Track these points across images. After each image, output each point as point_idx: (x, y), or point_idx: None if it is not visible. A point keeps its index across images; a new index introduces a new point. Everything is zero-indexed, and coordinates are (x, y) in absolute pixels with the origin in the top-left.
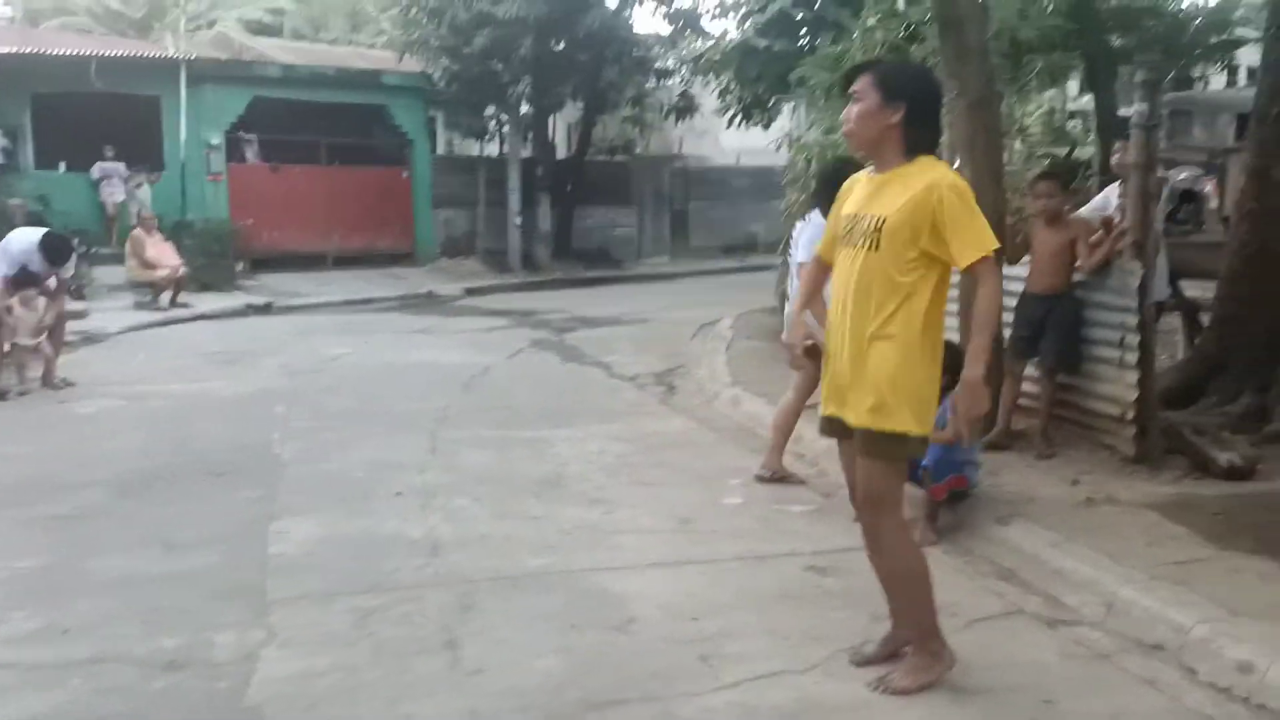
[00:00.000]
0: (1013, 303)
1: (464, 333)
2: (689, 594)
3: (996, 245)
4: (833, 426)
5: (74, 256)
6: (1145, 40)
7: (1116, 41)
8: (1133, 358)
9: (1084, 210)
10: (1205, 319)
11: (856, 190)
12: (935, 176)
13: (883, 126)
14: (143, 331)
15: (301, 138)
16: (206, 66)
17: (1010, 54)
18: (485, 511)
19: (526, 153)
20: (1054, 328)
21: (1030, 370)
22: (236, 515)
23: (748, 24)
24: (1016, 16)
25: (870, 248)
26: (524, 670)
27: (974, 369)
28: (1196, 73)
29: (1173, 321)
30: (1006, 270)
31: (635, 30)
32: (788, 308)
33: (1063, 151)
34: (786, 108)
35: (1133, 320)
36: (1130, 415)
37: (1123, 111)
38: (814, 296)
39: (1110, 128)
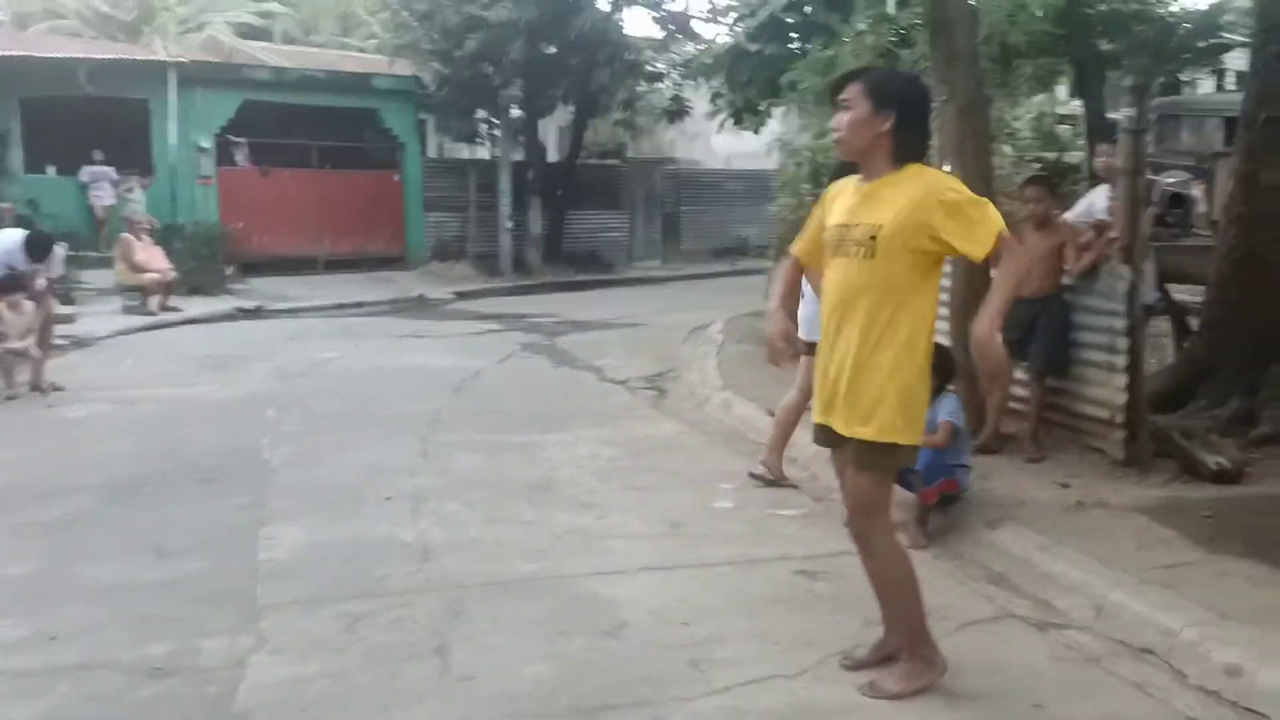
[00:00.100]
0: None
1: (455, 336)
2: (680, 599)
3: (1003, 225)
4: (826, 434)
5: (58, 253)
6: (1134, 45)
7: (1105, 46)
8: (1122, 361)
9: (1068, 215)
10: (1194, 323)
11: (843, 199)
12: (930, 181)
13: (873, 134)
14: (132, 335)
15: (292, 141)
16: (196, 70)
17: (1000, 58)
18: (476, 516)
19: (518, 156)
20: (1042, 331)
21: (1020, 374)
22: (226, 520)
23: (739, 28)
24: (1006, 21)
25: (865, 256)
26: (514, 676)
27: (980, 323)
28: (1185, 77)
29: (1161, 325)
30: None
31: (626, 34)
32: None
33: (1052, 155)
34: (778, 112)
35: (1122, 324)
36: (1120, 419)
37: (1111, 115)
38: (792, 293)
39: (1099, 132)
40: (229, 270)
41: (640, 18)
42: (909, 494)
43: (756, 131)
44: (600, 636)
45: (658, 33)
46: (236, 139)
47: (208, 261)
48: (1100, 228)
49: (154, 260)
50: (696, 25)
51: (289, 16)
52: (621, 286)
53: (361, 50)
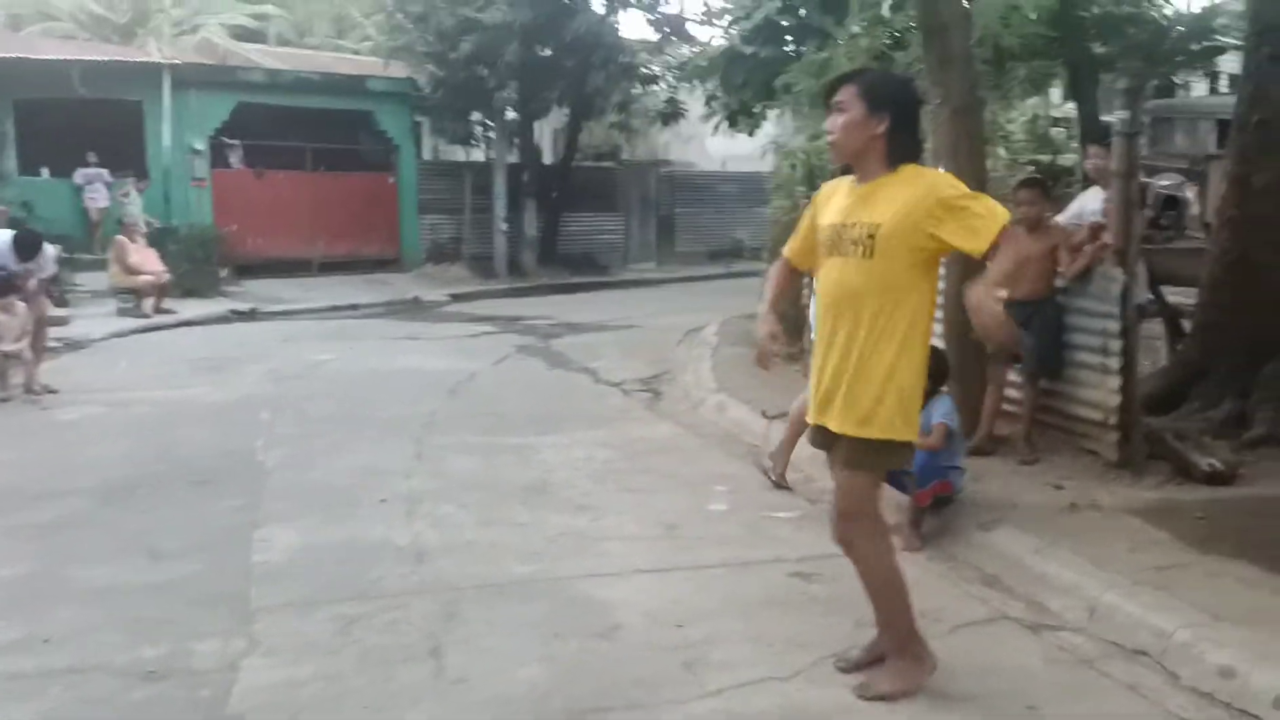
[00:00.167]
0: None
1: (450, 339)
2: (674, 601)
3: (1008, 215)
4: (822, 435)
5: (49, 252)
6: (1127, 48)
7: (1099, 49)
8: (1115, 363)
9: (1060, 218)
10: (1187, 325)
11: (837, 199)
12: (928, 180)
13: (868, 137)
14: (126, 338)
15: (286, 143)
16: (190, 72)
17: (993, 61)
18: (471, 518)
19: (512, 158)
20: (1035, 333)
21: (1013, 376)
22: (220, 523)
23: (734, 30)
24: (999, 24)
25: (864, 255)
26: (508, 678)
27: (974, 289)
28: (1178, 80)
29: (1154, 327)
30: None
31: (622, 36)
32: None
33: (1046, 158)
34: (772, 114)
35: (1115, 326)
36: (1113, 421)
37: (1105, 118)
38: (782, 295)
39: (1093, 134)
40: (223, 272)
41: (635, 20)
42: (903, 496)
43: (751, 134)
44: (594, 639)
45: (653, 35)
46: (231, 141)
47: (202, 264)
48: (1095, 230)
49: (148, 262)
50: (691, 27)
51: (283, 18)
52: (616, 289)
53: (356, 52)
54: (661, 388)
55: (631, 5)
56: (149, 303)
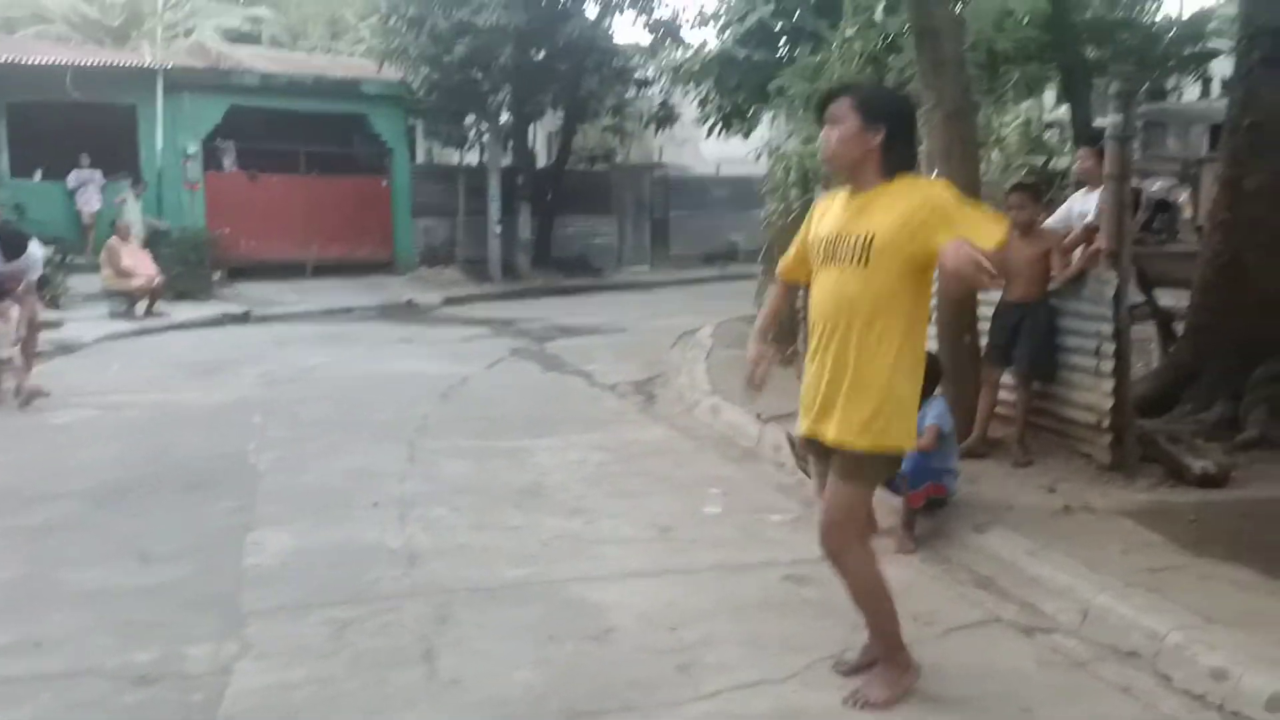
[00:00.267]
0: (989, 311)
1: (444, 342)
2: (668, 604)
3: (1006, 228)
4: (815, 447)
5: (35, 252)
6: (1120, 52)
7: (1092, 53)
8: (1109, 366)
9: (1049, 221)
10: (1179, 328)
11: (832, 212)
12: (924, 190)
13: (864, 149)
14: (118, 341)
15: (280, 146)
16: (184, 75)
17: (987, 65)
18: (464, 522)
19: (506, 161)
20: (1027, 335)
21: (1007, 379)
22: (212, 526)
23: (727, 34)
24: (993, 28)
25: (859, 265)
26: (502, 681)
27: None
28: (1171, 84)
29: (1146, 330)
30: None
31: (615, 40)
32: None
33: (1039, 161)
34: (766, 117)
35: (1108, 329)
36: (1106, 423)
37: (1098, 122)
38: (777, 318)
39: (1086, 138)
40: (216, 275)
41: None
42: (896, 498)
43: (745, 137)
44: (589, 641)
45: (646, 39)
46: (224, 144)
47: (195, 266)
48: (1090, 232)
49: (141, 265)
50: (685, 31)
51: (277, 21)
52: (611, 291)
53: (350, 55)
54: (656, 390)
55: (625, 8)
56: (141, 306)
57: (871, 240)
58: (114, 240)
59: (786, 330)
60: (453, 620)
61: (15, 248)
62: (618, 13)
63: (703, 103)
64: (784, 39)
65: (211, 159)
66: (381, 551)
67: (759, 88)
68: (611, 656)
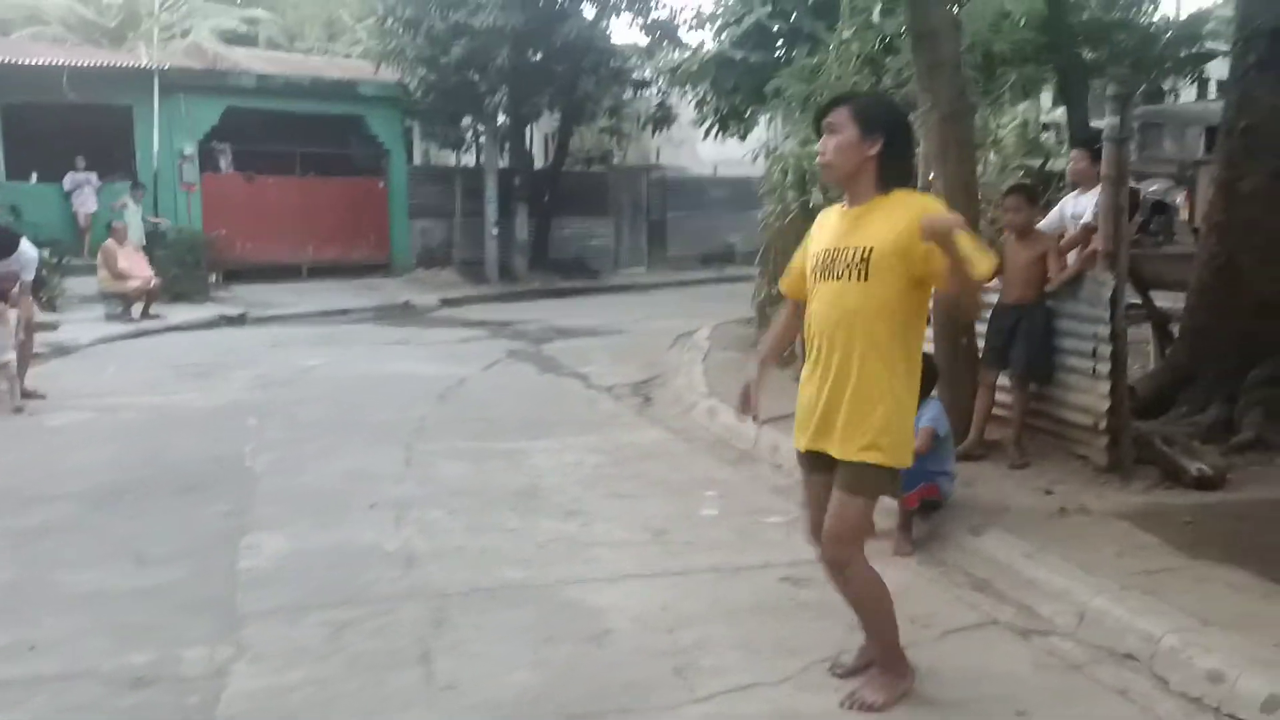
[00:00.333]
0: (986, 313)
1: (440, 343)
2: (664, 606)
3: (993, 265)
4: (816, 460)
5: (29, 252)
6: (1116, 54)
7: (1088, 55)
8: (1105, 368)
9: (1041, 223)
10: (1176, 329)
11: (828, 226)
12: (920, 204)
13: (861, 159)
14: (114, 343)
15: (276, 148)
16: (180, 76)
17: (984, 67)
18: (460, 524)
19: (503, 163)
20: (1023, 337)
21: (1004, 381)
22: (208, 529)
23: (724, 35)
24: (990, 30)
25: (858, 278)
26: (498, 683)
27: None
28: (1167, 86)
29: (1142, 331)
30: None
31: (612, 41)
32: None
33: (1036, 163)
34: (763, 119)
35: (1105, 331)
36: (1103, 425)
37: (1095, 124)
38: (783, 345)
39: (1080, 140)
40: (212, 277)
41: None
42: (891, 501)
43: (743, 138)
44: (584, 644)
45: (643, 40)
46: (220, 145)
47: (191, 268)
48: (1088, 233)
49: (137, 267)
50: (682, 33)
51: (274, 23)
52: (608, 293)
53: (347, 57)
54: (652, 393)
55: (622, 10)
56: (137, 308)
57: (870, 254)
58: (110, 242)
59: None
60: (449, 622)
61: (5, 247)
62: (615, 14)
63: (700, 104)
64: (781, 40)
65: (208, 160)
66: (378, 554)
67: (756, 89)
68: (607, 659)
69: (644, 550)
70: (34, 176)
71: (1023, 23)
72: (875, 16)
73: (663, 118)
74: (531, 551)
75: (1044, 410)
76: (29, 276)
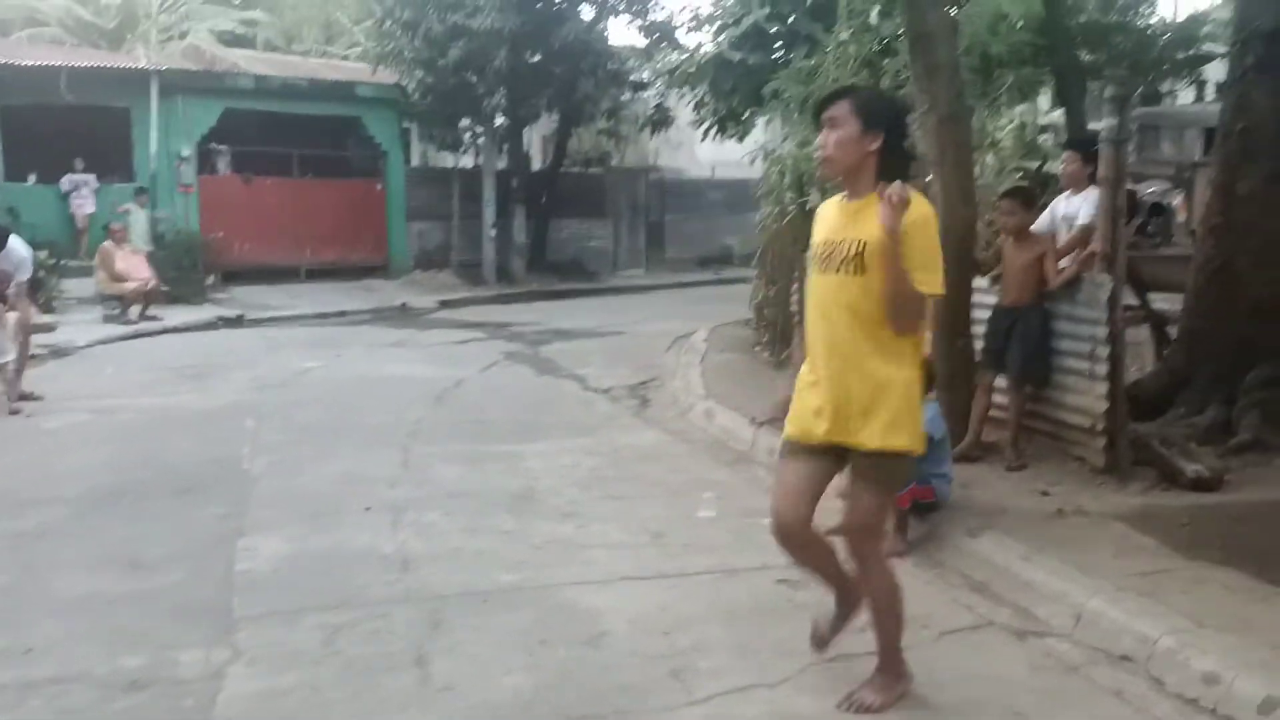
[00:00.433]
0: (983, 315)
1: (437, 345)
2: (660, 608)
3: (942, 292)
4: (799, 449)
5: (23, 252)
6: (1114, 56)
7: (1086, 57)
8: (1102, 370)
9: (1034, 226)
10: (1173, 331)
11: (828, 218)
12: (914, 210)
13: (862, 153)
14: (111, 345)
15: (274, 149)
16: (178, 78)
17: (981, 69)
18: (456, 526)
19: (501, 165)
20: (1019, 339)
21: (1001, 382)
22: (204, 531)
23: (722, 37)
24: (987, 32)
25: (855, 271)
26: (494, 686)
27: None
28: (1165, 88)
29: (1140, 333)
30: (979, 282)
31: (610, 43)
32: None
33: (1034, 165)
34: (761, 120)
35: (1103, 332)
36: (1100, 427)
37: (1093, 126)
38: None
39: (1072, 142)
40: (210, 279)
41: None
42: None
43: (740, 140)
44: (581, 646)
45: (641, 42)
46: (218, 147)
47: (188, 270)
48: (1086, 234)
49: (135, 269)
50: (680, 34)
51: (272, 25)
52: (605, 295)
53: (345, 58)
54: (649, 394)
55: (620, 11)
56: (135, 309)
57: (864, 248)
58: (108, 244)
59: (782, 333)
60: (445, 625)
61: None
62: (613, 16)
63: (698, 106)
64: (779, 42)
65: (206, 162)
66: (374, 556)
67: (754, 91)
68: (604, 661)
69: (641, 552)
70: (32, 178)
71: (1020, 25)
72: (873, 19)
73: (661, 120)
74: (528, 554)
75: (1041, 412)
76: (24, 277)
